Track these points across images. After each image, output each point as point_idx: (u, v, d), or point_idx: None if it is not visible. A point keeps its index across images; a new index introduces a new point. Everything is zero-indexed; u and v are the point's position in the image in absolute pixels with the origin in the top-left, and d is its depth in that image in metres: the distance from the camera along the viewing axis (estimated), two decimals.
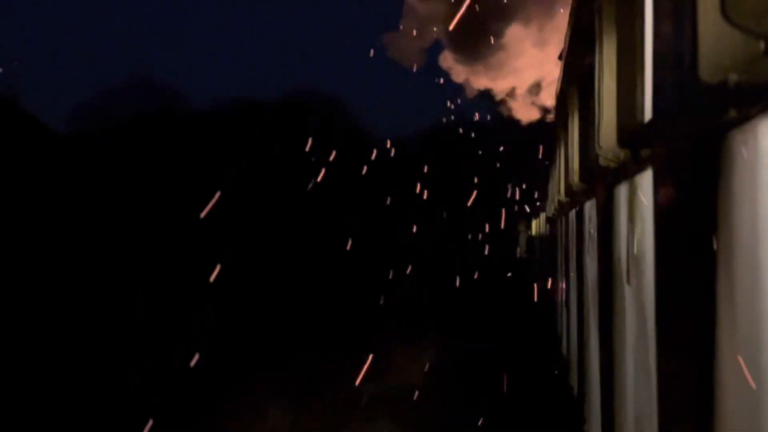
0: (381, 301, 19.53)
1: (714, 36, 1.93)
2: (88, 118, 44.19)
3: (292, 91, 48.56)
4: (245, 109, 43.60)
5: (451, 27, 22.38)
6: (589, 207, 6.80)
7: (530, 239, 31.67)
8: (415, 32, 24.16)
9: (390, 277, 23.99)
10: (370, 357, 12.45)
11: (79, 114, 45.17)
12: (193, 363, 13.49)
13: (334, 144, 37.86)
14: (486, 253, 32.07)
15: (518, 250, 35.63)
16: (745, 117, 1.92)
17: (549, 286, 15.38)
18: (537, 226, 27.88)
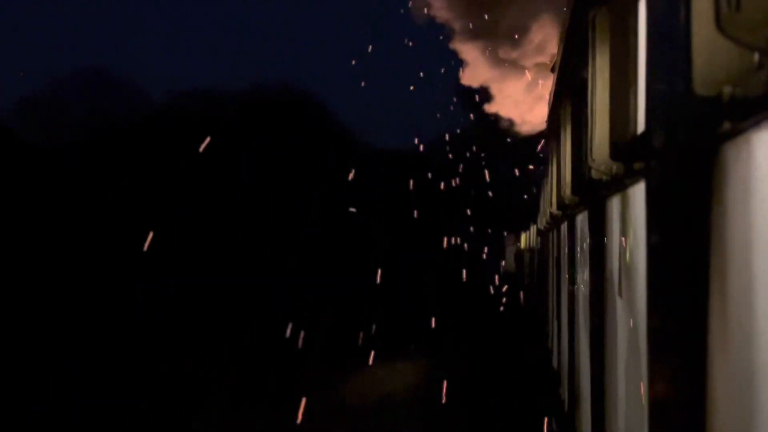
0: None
1: (708, 48, 1.93)
2: (38, 114, 41.26)
3: (262, 85, 44.91)
4: (210, 102, 41.33)
5: None
6: (581, 219, 6.80)
7: (519, 253, 31.43)
8: None
9: None
10: None
11: (28, 111, 41.99)
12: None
13: (309, 143, 36.66)
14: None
15: (502, 263, 35.00)
16: (739, 130, 1.91)
17: None
18: (526, 238, 27.77)
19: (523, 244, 29.61)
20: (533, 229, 23.13)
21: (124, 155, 35.67)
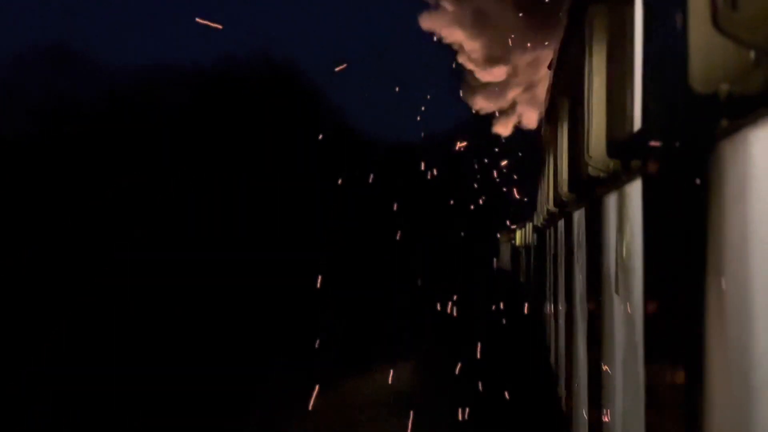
0: None
1: (705, 46, 1.93)
2: None
3: (238, 59, 40.52)
4: (179, 78, 36.88)
5: None
6: (578, 216, 6.81)
7: (514, 250, 31.32)
8: None
9: None
10: None
11: None
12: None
13: (288, 122, 34.48)
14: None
15: (494, 261, 34.55)
16: (736, 127, 1.92)
17: None
18: (522, 235, 27.71)
19: (518, 241, 29.58)
20: (529, 226, 23.13)
21: (90, 141, 32.69)
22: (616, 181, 4.12)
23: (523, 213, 27.43)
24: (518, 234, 29.74)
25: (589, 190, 5.40)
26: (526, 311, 18.87)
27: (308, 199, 32.62)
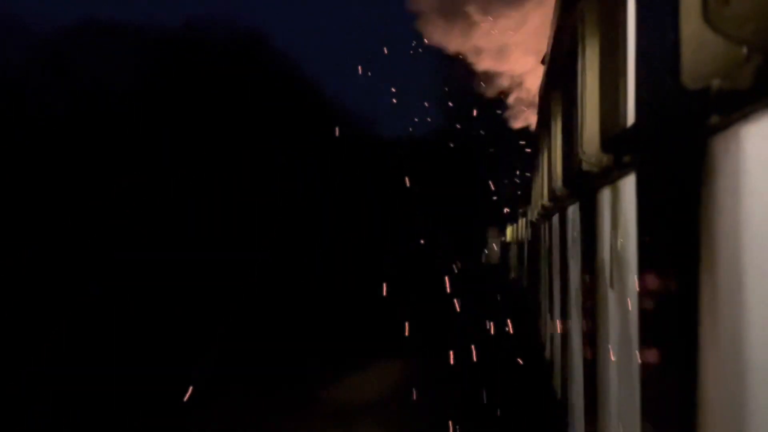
0: None
1: (696, 42, 1.95)
2: None
3: (201, 23, 34.10)
4: (122, 41, 30.92)
5: None
6: (573, 211, 6.83)
7: (504, 245, 31.37)
8: None
9: None
10: None
11: None
12: None
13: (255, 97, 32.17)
14: None
15: (483, 256, 34.49)
16: (728, 122, 1.93)
17: None
18: (513, 231, 27.74)
19: (509, 237, 29.64)
20: (522, 222, 23.17)
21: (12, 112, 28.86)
22: (609, 175, 4.14)
23: (514, 211, 27.38)
24: (509, 230, 29.80)
25: (583, 185, 5.41)
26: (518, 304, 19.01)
27: (306, 199, 32.06)
